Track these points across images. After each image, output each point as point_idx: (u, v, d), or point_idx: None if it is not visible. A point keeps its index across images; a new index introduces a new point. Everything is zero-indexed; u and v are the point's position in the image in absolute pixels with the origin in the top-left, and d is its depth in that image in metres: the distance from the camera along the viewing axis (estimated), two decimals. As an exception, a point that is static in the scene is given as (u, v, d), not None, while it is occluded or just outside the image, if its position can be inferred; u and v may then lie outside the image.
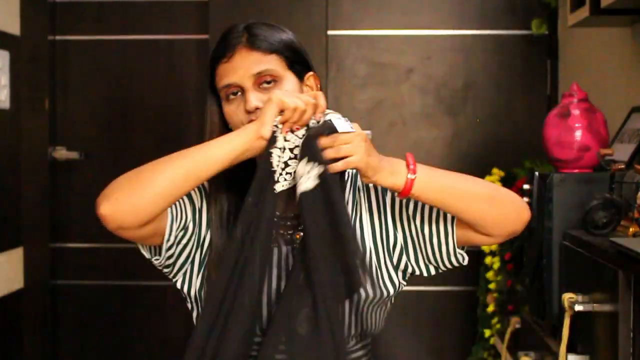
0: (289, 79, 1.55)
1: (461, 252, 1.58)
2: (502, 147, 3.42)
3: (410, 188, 1.45)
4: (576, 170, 2.21)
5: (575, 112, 2.21)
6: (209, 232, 1.57)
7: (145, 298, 3.51)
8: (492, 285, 3.01)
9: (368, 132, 3.37)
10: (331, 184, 1.43)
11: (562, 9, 3.21)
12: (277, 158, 1.45)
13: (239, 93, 1.53)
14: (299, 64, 1.57)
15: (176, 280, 1.60)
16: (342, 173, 1.46)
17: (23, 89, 3.33)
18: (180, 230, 1.54)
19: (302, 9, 3.40)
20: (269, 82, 1.53)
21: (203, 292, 1.56)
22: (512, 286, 2.89)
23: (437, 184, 1.47)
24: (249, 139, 1.43)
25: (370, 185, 1.59)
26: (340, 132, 1.43)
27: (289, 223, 1.56)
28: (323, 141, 1.42)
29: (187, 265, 1.58)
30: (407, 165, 1.46)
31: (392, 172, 1.46)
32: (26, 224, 3.37)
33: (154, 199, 1.41)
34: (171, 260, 1.56)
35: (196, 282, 1.58)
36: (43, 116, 3.41)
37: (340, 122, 1.44)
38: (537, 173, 2.26)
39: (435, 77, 3.45)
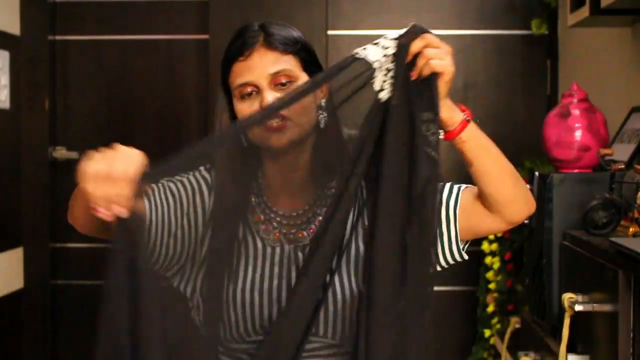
0: (304, 81, 1.55)
1: (462, 251, 1.58)
2: (502, 147, 3.34)
3: (462, 129, 1.44)
4: (576, 170, 2.20)
5: (575, 112, 2.21)
6: (209, 230, 1.56)
7: (145, 298, 3.50)
8: (492, 285, 3.01)
9: None
10: (413, 97, 1.37)
11: (562, 9, 3.20)
12: (381, 72, 1.38)
13: (254, 92, 1.53)
14: (312, 64, 1.58)
15: (174, 281, 1.60)
16: (429, 89, 1.38)
17: (23, 89, 3.33)
18: (171, 237, 1.54)
19: (302, 9, 3.40)
20: (284, 84, 1.53)
21: (203, 290, 1.56)
22: (512, 286, 2.89)
23: (481, 138, 1.48)
24: None
25: None
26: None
27: (292, 222, 1.56)
28: (415, 43, 1.36)
29: (189, 263, 1.57)
30: (462, 111, 1.46)
31: (453, 108, 1.44)
32: (26, 224, 3.37)
33: (83, 221, 1.45)
34: (158, 264, 1.55)
35: (197, 280, 1.57)
36: (43, 116, 3.41)
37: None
38: (537, 173, 2.26)
39: (435, 77, 3.45)
